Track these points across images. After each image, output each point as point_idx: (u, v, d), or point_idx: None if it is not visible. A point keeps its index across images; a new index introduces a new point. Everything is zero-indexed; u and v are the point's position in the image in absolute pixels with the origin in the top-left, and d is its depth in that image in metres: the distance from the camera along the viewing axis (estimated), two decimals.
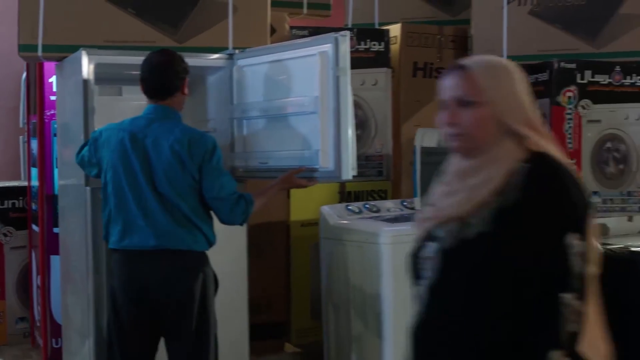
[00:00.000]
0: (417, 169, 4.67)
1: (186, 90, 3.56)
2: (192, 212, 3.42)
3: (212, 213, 3.53)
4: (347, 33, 3.76)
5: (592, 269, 2.01)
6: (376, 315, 4.10)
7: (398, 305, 4.06)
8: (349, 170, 3.70)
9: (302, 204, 4.98)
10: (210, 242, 3.50)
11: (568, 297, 1.91)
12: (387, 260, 4.05)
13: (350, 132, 3.70)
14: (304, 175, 3.86)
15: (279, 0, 5.01)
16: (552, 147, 2.07)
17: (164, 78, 3.51)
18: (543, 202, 1.95)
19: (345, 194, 5.18)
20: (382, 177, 5.31)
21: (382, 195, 5.26)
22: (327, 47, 3.69)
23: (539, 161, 2.00)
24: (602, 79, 5.16)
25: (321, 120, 3.68)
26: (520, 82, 2.06)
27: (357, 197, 5.18)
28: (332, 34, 3.72)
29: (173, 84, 3.52)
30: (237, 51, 4.28)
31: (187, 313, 3.40)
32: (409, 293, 3.93)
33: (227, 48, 4.41)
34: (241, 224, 3.61)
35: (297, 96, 3.86)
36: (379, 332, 4.10)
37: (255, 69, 4.09)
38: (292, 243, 5.07)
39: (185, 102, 3.63)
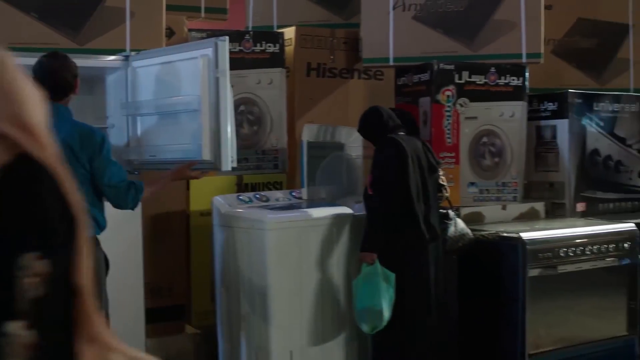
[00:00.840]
0: (304, 162, 5.05)
1: (77, 90, 3.89)
2: (85, 200, 3.73)
3: (104, 201, 3.87)
4: (226, 38, 4.12)
5: (86, 287, 1.73)
6: (262, 296, 4.47)
7: (280, 286, 4.46)
8: (229, 162, 4.08)
9: (202, 195, 5.30)
10: (101, 227, 3.84)
11: (14, 326, 1.58)
12: (270, 245, 4.44)
13: (229, 128, 4.07)
14: (197, 168, 4.23)
15: (178, 5, 5.37)
16: (45, 150, 1.74)
17: (60, 80, 3.83)
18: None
19: (243, 186, 5.53)
20: (277, 170, 5.68)
21: (278, 187, 5.62)
22: (208, 51, 4.06)
23: (14, 166, 1.68)
24: (479, 79, 5.61)
25: (202, 117, 4.05)
26: (11, 74, 1.76)
27: (253, 188, 5.53)
28: (213, 39, 4.10)
29: (69, 85, 3.85)
30: (133, 53, 4.61)
31: None
32: (291, 275, 4.38)
33: (125, 50, 4.74)
34: (132, 209, 3.95)
35: (183, 95, 4.23)
36: (264, 312, 4.48)
37: (147, 70, 4.45)
38: (192, 231, 5.40)
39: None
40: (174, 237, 5.34)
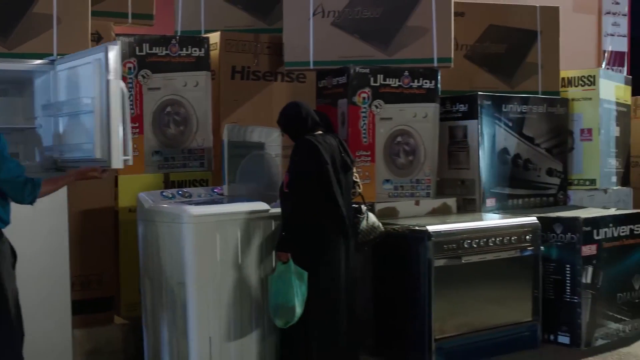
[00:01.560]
0: (225, 160, 5.33)
1: None
2: None
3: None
4: (117, 43, 4.38)
5: None
6: (181, 285, 4.75)
7: (199, 276, 4.73)
8: (119, 160, 4.32)
9: (130, 192, 5.52)
10: (4, 221, 4.01)
11: None
12: (189, 237, 4.71)
13: (120, 128, 4.32)
14: (104, 166, 4.44)
15: (105, 11, 5.62)
16: None
17: None
18: None
19: (170, 183, 5.78)
20: (203, 168, 5.94)
21: (204, 184, 5.88)
22: (101, 55, 4.31)
23: None
24: (393, 82, 5.97)
25: (95, 117, 4.32)
26: None
27: (180, 185, 5.77)
28: (106, 44, 4.36)
29: None
30: (58, 57, 4.87)
31: None
32: (208, 266, 4.64)
33: (52, 54, 4.99)
34: (31, 203, 4.06)
35: (83, 97, 4.51)
36: (183, 301, 4.75)
37: (64, 73, 4.74)
38: (121, 226, 5.64)
39: None
40: (103, 232, 5.55)
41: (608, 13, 9.05)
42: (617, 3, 9.07)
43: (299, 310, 4.69)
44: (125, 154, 4.42)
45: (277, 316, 4.73)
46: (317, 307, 4.79)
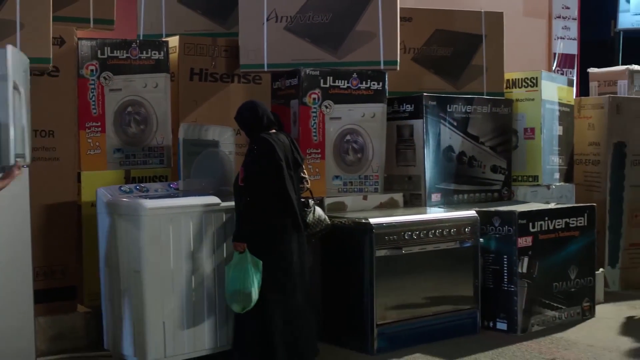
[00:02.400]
0: (180, 157, 5.67)
1: None
2: None
3: None
4: (8, 47, 4.55)
5: None
6: (137, 273, 5.09)
7: (153, 265, 5.08)
8: (10, 157, 4.48)
9: (92, 187, 5.77)
10: None
11: None
12: (144, 228, 5.06)
13: (11, 128, 4.51)
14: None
15: (68, 17, 5.94)
16: None
17: None
18: None
19: (131, 179, 6.11)
20: (163, 165, 6.27)
21: (163, 180, 6.20)
22: None
23: None
24: (342, 83, 6.32)
25: None
26: None
27: (140, 181, 6.09)
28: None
29: None
30: None
31: None
32: (163, 255, 4.97)
33: None
34: None
35: None
36: (139, 288, 5.09)
37: None
38: (84, 219, 5.94)
39: None
40: (67, 225, 5.87)
41: (558, 17, 9.45)
42: (567, 8, 9.47)
43: (254, 296, 5.04)
44: (20, 151, 4.64)
45: (235, 302, 5.08)
46: (272, 293, 5.14)
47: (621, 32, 10.69)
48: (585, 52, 9.90)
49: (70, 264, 5.92)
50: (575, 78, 9.61)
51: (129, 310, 5.20)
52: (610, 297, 7.49)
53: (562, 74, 9.27)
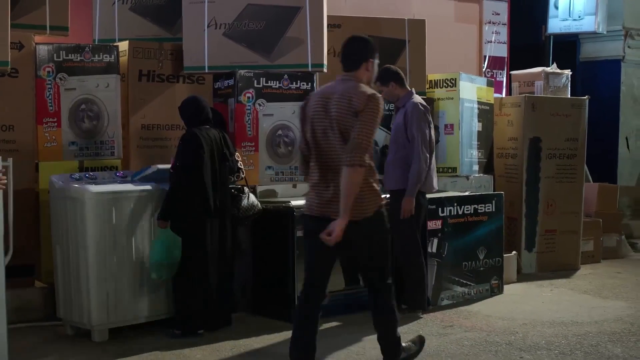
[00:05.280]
0: None
1: None
2: None
3: None
4: None
5: None
6: (84, 250, 5.83)
7: (97, 243, 5.82)
8: None
9: (49, 176, 6.53)
10: None
11: None
12: (89, 210, 5.80)
13: None
14: None
15: (26, 24, 6.68)
16: None
17: None
18: None
19: (84, 169, 6.82)
20: (113, 157, 6.98)
21: (114, 169, 6.93)
22: None
23: None
24: (274, 84, 7.06)
25: None
26: None
27: (93, 171, 6.76)
28: None
29: None
30: None
31: None
32: (106, 234, 5.69)
33: None
34: None
35: None
36: (85, 263, 5.83)
37: None
38: (41, 204, 6.64)
39: None
40: (26, 210, 6.52)
41: (489, 22, 10.22)
42: (498, 14, 10.24)
43: (170, 268, 5.86)
44: None
45: (153, 271, 5.88)
46: (189, 267, 5.95)
47: (551, 37, 11.45)
48: (518, 55, 10.65)
49: (29, 244, 6.59)
50: (505, 79, 10.39)
51: (77, 282, 5.92)
52: (524, 278, 8.33)
53: (492, 75, 10.03)
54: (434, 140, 6.87)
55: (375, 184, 4.63)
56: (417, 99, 6.65)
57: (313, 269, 4.79)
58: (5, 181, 5.28)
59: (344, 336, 6.06)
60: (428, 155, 6.50)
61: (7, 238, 5.33)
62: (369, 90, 4.61)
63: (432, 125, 6.66)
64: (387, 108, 7.58)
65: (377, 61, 4.87)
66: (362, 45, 4.80)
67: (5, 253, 5.30)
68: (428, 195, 6.88)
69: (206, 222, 5.99)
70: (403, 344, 4.99)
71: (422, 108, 6.54)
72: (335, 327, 6.34)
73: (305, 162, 4.90)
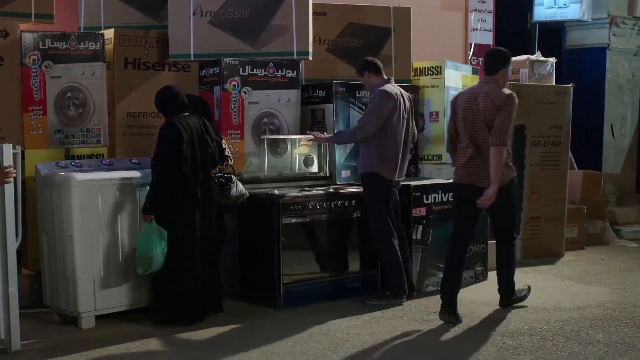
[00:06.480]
0: None
1: None
2: None
3: None
4: None
5: None
6: (70, 238, 5.86)
7: (83, 230, 5.84)
8: None
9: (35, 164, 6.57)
10: None
11: None
12: (75, 197, 5.83)
13: None
14: None
15: (11, 12, 6.66)
16: None
17: None
18: None
19: (70, 157, 6.84)
20: (100, 144, 6.98)
21: (100, 157, 6.96)
22: None
23: None
24: (260, 72, 7.09)
25: None
26: None
27: (79, 158, 6.82)
28: None
29: None
30: None
31: None
32: (91, 221, 5.72)
33: None
34: None
35: None
36: (71, 250, 5.87)
37: None
38: (28, 192, 6.64)
39: None
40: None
41: (475, 10, 10.24)
42: (483, 2, 10.26)
43: (157, 261, 5.85)
44: None
45: (139, 265, 5.91)
46: (175, 259, 5.96)
47: (537, 24, 11.49)
48: (503, 43, 10.59)
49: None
50: None
51: (63, 270, 5.96)
52: None
53: (478, 63, 10.04)
54: (415, 130, 6.96)
55: (509, 161, 6.20)
56: (388, 87, 6.68)
57: (460, 225, 6.26)
58: (15, 173, 5.36)
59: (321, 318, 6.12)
60: (370, 136, 6.59)
61: (17, 225, 5.48)
62: (507, 90, 6.14)
63: (403, 114, 6.68)
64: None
65: (510, 67, 6.42)
66: (500, 55, 6.34)
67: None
68: (413, 183, 6.93)
69: (190, 212, 6.00)
70: (516, 288, 6.55)
71: (388, 94, 6.58)
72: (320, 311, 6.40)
73: (452, 142, 6.37)
